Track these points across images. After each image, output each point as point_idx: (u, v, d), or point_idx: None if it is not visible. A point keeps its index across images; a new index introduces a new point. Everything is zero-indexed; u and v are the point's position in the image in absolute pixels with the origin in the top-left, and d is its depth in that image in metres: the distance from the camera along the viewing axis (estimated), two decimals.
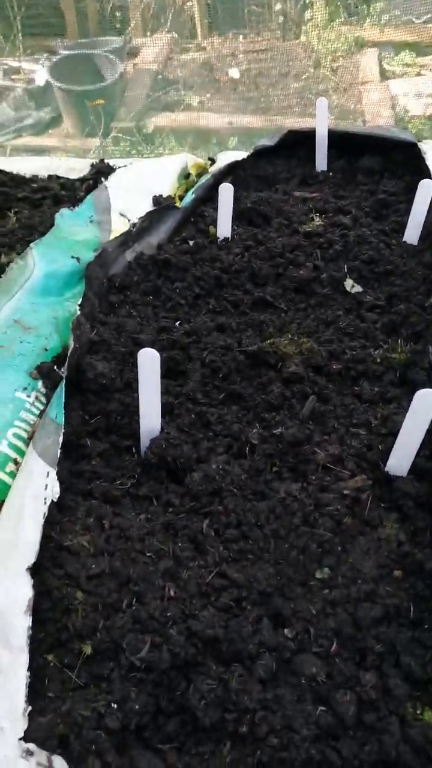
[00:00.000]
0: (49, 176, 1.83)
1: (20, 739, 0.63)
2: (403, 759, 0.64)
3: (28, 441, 0.96)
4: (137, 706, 0.68)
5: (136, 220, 1.40)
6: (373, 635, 0.73)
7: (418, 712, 0.68)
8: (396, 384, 1.03)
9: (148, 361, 0.88)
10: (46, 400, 1.03)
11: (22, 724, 0.64)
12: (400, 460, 0.88)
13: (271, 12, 7.70)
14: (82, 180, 1.80)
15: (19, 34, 6.98)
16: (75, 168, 1.87)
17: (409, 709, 0.68)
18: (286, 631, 0.74)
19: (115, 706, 0.68)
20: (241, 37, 7.69)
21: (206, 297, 1.29)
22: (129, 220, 1.44)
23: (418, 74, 6.05)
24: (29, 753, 0.62)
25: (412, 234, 1.36)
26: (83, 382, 1.03)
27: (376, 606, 0.75)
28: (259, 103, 6.60)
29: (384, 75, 6.37)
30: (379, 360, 1.07)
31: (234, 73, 7.04)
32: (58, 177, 1.82)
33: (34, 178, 1.81)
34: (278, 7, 7.72)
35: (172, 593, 0.77)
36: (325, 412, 0.99)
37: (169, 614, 0.75)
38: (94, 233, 1.38)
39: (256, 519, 0.85)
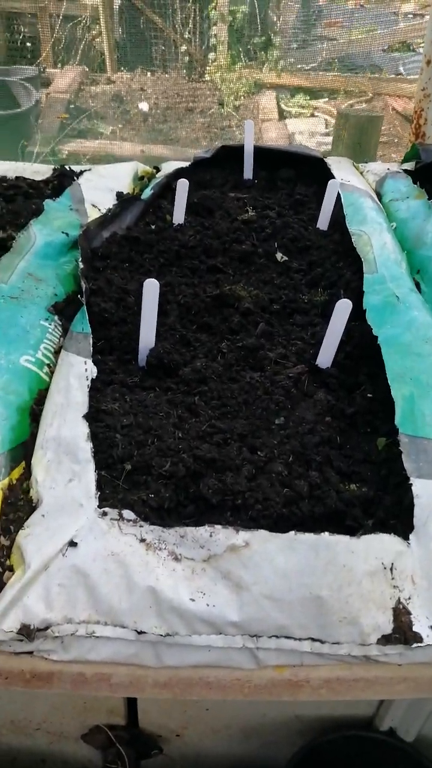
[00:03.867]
0: (17, 177, 2.17)
1: (97, 507, 0.98)
2: (339, 509, 1.05)
3: (55, 354, 1.31)
4: (167, 495, 1.05)
5: (110, 206, 1.79)
6: (315, 452, 1.15)
7: (346, 487, 1.09)
8: (319, 316, 1.48)
9: (151, 289, 1.27)
10: (62, 329, 1.38)
11: (95, 501, 0.99)
12: (326, 356, 1.32)
13: (177, 52, 8.43)
14: (47, 181, 2.16)
15: None
16: (39, 171, 2.23)
17: (341, 486, 1.09)
18: (259, 453, 1.14)
19: (152, 495, 1.04)
20: (149, 73, 8.33)
21: (170, 266, 1.69)
22: (100, 209, 1.83)
23: (312, 115, 6.91)
24: (104, 513, 0.97)
25: (323, 222, 1.85)
26: (90, 316, 1.39)
27: (315, 437, 1.17)
28: (169, 135, 7.20)
29: (282, 115, 7.19)
30: (306, 301, 1.52)
31: (144, 106, 7.62)
32: (24, 178, 2.17)
33: (4, 179, 2.15)
34: (183, 48, 8.46)
35: (180, 435, 1.15)
36: (272, 333, 1.42)
37: (180, 447, 1.12)
38: (75, 217, 1.76)
39: (231, 394, 1.25)
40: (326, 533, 0.92)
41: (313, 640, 0.89)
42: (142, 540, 0.94)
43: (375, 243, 1.59)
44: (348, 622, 0.89)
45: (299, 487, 1.08)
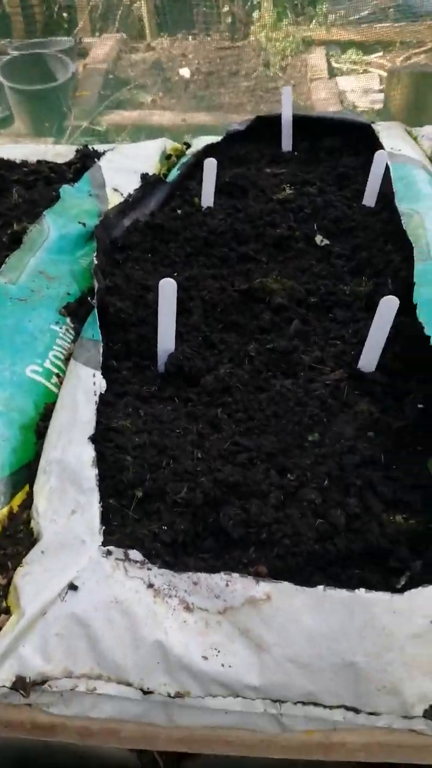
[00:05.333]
0: (38, 161, 2.09)
1: (100, 545, 0.89)
2: (381, 546, 0.93)
3: (65, 361, 1.23)
4: (182, 527, 0.95)
5: (131, 192, 1.68)
6: (354, 475, 1.02)
7: (391, 518, 0.97)
8: (363, 309, 1.34)
9: (168, 289, 1.17)
10: (74, 332, 1.30)
11: (98, 538, 0.90)
12: (369, 358, 1.19)
13: (220, 13, 8.14)
14: (69, 164, 2.07)
15: None
16: (61, 153, 2.14)
17: (384, 517, 0.97)
18: (289, 476, 1.03)
19: (165, 528, 0.95)
20: (190, 37, 8.09)
21: (197, 255, 1.57)
22: (122, 194, 1.73)
23: (365, 71, 6.56)
24: (109, 553, 0.88)
25: (369, 198, 1.69)
26: (105, 317, 1.30)
27: (356, 456, 1.05)
28: (211, 101, 6.98)
29: (332, 72, 6.85)
30: (348, 292, 1.38)
31: (185, 72, 7.42)
32: (47, 162, 2.09)
33: (25, 163, 2.07)
34: (226, 8, 8.17)
35: (199, 455, 1.05)
36: (308, 332, 1.29)
37: (198, 469, 1.02)
38: (95, 204, 1.66)
39: (258, 405, 1.14)
40: (362, 590, 0.80)
41: (347, 708, 0.79)
42: (150, 585, 0.85)
43: (429, 224, 1.42)
44: (388, 691, 0.77)
45: (335, 518, 0.96)
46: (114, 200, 1.69)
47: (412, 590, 0.80)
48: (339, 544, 0.94)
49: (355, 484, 1.01)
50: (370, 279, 1.42)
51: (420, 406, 1.12)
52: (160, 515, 0.97)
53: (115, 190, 1.74)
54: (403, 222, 1.46)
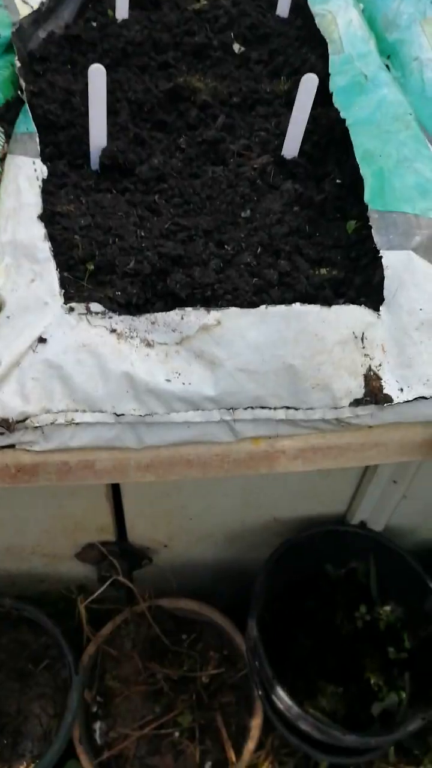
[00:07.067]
0: None
1: (63, 303, 0.93)
2: (309, 293, 1.01)
3: (1, 162, 1.19)
4: (134, 292, 1.00)
5: (43, 1, 1.55)
6: (283, 243, 1.09)
7: (316, 272, 1.06)
8: (283, 105, 1.35)
9: (97, 76, 1.13)
10: (5, 136, 1.24)
11: (60, 299, 0.94)
12: (292, 145, 1.22)
13: None
14: None
15: None
16: None
17: (310, 272, 1.05)
18: (226, 247, 1.08)
19: (119, 293, 1.00)
20: None
21: (116, 66, 1.50)
22: (32, 6, 1.59)
23: None
24: (71, 309, 0.93)
25: (283, 7, 1.63)
26: (34, 120, 1.25)
27: (283, 227, 1.11)
28: None
29: None
30: (268, 91, 1.38)
31: None
32: None
33: None
34: None
35: (142, 234, 1.08)
36: (233, 125, 1.30)
37: (143, 245, 1.06)
38: (5, 14, 1.52)
39: (193, 190, 1.16)
40: (297, 304, 0.89)
41: (288, 408, 0.90)
42: (113, 330, 0.91)
43: (340, 21, 1.41)
44: (321, 388, 0.89)
45: (269, 276, 1.03)
46: (24, 11, 1.56)
47: (337, 306, 0.90)
48: (273, 295, 1.02)
49: (284, 249, 1.08)
50: (288, 78, 1.42)
51: (338, 181, 1.18)
52: (113, 284, 1.01)
53: (24, 2, 1.59)
54: (317, 22, 1.44)
